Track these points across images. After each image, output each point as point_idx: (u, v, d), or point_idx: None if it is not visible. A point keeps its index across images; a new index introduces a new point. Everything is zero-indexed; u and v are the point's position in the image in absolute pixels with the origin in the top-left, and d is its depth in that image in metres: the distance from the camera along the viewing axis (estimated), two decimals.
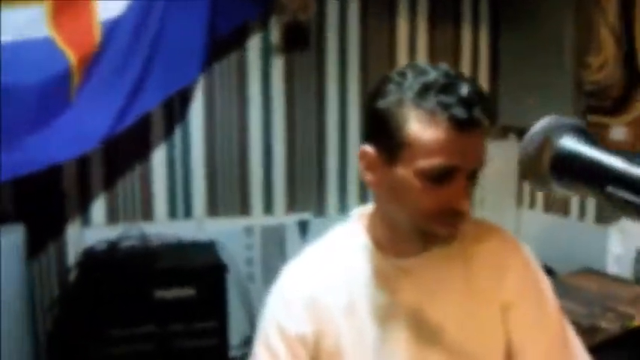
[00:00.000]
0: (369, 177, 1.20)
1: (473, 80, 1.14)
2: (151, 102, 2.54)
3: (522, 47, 3.03)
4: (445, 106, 1.08)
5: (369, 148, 1.18)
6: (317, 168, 3.02)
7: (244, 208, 2.90)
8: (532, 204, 3.29)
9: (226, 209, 2.87)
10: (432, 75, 1.11)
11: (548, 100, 2.88)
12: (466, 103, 1.08)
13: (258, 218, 2.92)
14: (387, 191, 1.18)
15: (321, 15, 2.93)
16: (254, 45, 2.84)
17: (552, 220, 3.16)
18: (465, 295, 1.24)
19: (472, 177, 1.13)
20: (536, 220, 3.23)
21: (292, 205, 2.98)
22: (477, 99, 1.09)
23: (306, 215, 2.99)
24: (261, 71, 2.87)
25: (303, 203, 3.00)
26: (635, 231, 2.58)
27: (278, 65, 2.89)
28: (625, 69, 2.67)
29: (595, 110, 2.81)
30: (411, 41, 3.12)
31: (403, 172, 1.12)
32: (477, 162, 1.13)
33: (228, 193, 2.87)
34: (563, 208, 3.08)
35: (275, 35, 2.86)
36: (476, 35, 3.25)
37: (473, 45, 3.24)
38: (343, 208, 3.04)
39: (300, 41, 2.86)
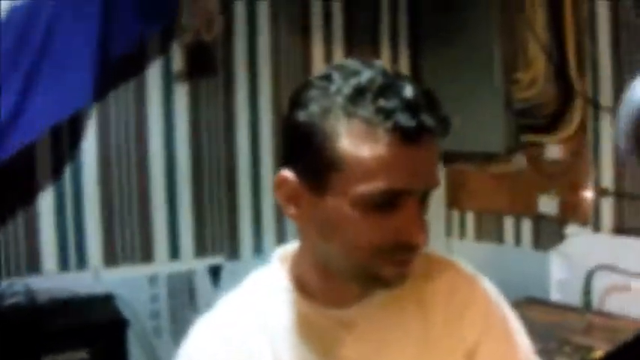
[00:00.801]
0: (291, 210, 1.02)
1: (415, 80, 0.95)
2: (33, 131, 2.31)
3: (446, 66, 2.96)
4: (386, 113, 0.91)
5: (289, 174, 1.00)
6: (228, 205, 2.86)
7: (147, 255, 2.71)
8: (462, 233, 3.22)
9: (126, 257, 2.67)
10: (366, 75, 0.94)
11: (477, 121, 2.79)
12: (412, 107, 0.91)
13: (163, 265, 2.73)
14: (316, 226, 1.01)
15: (228, 35, 2.78)
16: (154, 70, 2.67)
17: (486, 248, 3.10)
18: (421, 346, 1.08)
19: (424, 199, 0.98)
20: (469, 249, 3.17)
21: (201, 249, 2.82)
22: (424, 101, 0.93)
23: (217, 259, 2.84)
24: (163, 99, 2.70)
25: (213, 246, 2.84)
26: (578, 253, 2.52)
27: (181, 92, 2.73)
28: (557, 84, 2.63)
29: (527, 129, 2.76)
30: (327, 63, 3.02)
31: (336, 201, 0.95)
32: (431, 181, 0.96)
33: (128, 239, 2.66)
34: (496, 236, 3.02)
35: (177, 59, 2.69)
36: (395, 56, 3.20)
37: (392, 66, 3.18)
38: (259, 250, 2.88)
39: (206, 65, 2.70)
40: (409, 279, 1.02)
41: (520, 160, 2.84)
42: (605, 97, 2.52)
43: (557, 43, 2.62)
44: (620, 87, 2.47)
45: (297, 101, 1.00)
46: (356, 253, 0.98)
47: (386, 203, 0.94)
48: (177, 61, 2.71)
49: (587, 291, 2.39)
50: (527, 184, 2.83)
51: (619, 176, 2.50)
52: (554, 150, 2.71)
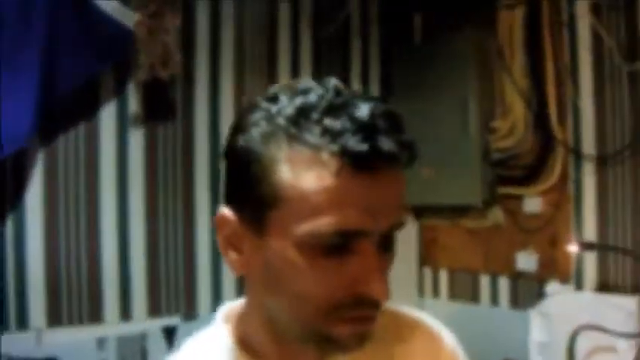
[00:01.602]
0: (232, 256, 0.88)
1: (378, 99, 0.82)
2: None
3: (418, 112, 2.81)
4: (333, 135, 0.77)
5: (228, 212, 0.87)
6: (184, 260, 2.68)
7: (95, 315, 2.49)
8: (435, 292, 3.08)
9: (72, 317, 2.45)
10: (315, 93, 0.81)
11: (451, 172, 2.71)
12: (365, 128, 0.77)
13: (113, 326, 2.52)
14: (260, 276, 0.86)
15: (188, 73, 2.65)
16: (108, 112, 2.50)
17: (460, 308, 2.96)
18: None
19: (386, 243, 0.83)
20: (442, 309, 3.01)
21: (156, 308, 2.62)
22: (384, 123, 0.78)
23: (172, 319, 2.65)
24: (117, 145, 2.53)
25: (168, 304, 2.65)
26: (559, 313, 2.40)
27: (137, 137, 2.56)
28: (537, 133, 2.56)
29: (505, 181, 2.67)
30: None
31: (278, 243, 0.81)
32: (392, 219, 0.81)
33: (75, 297, 2.45)
34: (472, 295, 2.90)
35: (133, 100, 2.54)
36: None
37: None
38: (218, 308, 2.74)
39: (163, 106, 2.55)
40: (373, 341, 0.87)
41: (497, 214, 2.74)
42: (588, 146, 2.44)
43: (536, 90, 2.55)
44: (603, 135, 2.38)
45: (238, 125, 0.87)
46: (304, 308, 0.83)
47: (337, 247, 0.80)
48: (133, 103, 2.55)
49: (570, 353, 2.25)
50: (505, 239, 2.73)
51: (602, 230, 2.40)
52: (533, 203, 2.61)
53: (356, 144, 0.76)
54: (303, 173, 0.79)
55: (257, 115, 0.83)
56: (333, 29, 2.89)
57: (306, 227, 0.79)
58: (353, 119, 0.77)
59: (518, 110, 2.59)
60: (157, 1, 2.25)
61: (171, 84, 2.56)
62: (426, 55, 2.88)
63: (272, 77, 2.88)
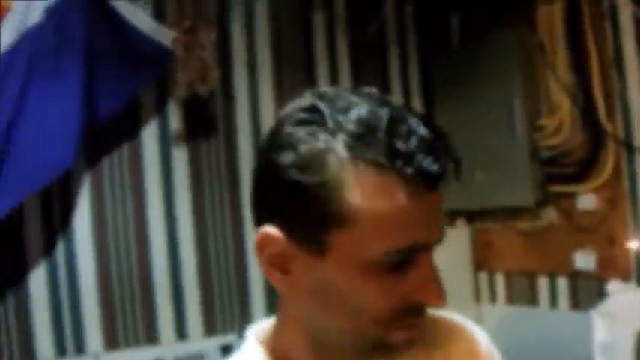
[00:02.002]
0: (277, 275, 0.86)
1: (421, 113, 0.84)
2: (11, 199, 2.18)
3: (463, 116, 2.80)
4: (405, 157, 0.77)
5: (274, 232, 0.84)
6: (237, 277, 2.69)
7: (151, 335, 2.53)
8: (492, 297, 3.02)
9: (129, 339, 2.49)
10: (366, 108, 0.79)
11: (501, 174, 2.66)
12: (434, 149, 0.78)
13: (169, 347, 2.55)
14: (309, 294, 0.85)
15: (226, 86, 2.66)
16: (150, 132, 2.54)
17: (519, 312, 2.90)
18: None
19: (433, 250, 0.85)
20: (500, 314, 2.96)
21: (211, 327, 2.64)
22: (439, 142, 0.80)
23: (229, 338, 2.65)
24: (162, 163, 2.57)
25: (224, 323, 2.66)
26: (623, 312, 2.32)
27: (181, 155, 2.60)
28: (586, 128, 2.50)
29: (556, 179, 2.61)
30: None
31: (341, 263, 0.80)
32: (442, 230, 0.84)
33: (130, 319, 2.49)
34: (529, 298, 2.84)
35: (174, 118, 2.57)
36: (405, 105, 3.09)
37: None
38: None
39: (204, 123, 2.58)
40: (419, 346, 0.91)
41: (550, 214, 2.67)
42: None
43: (582, 85, 2.49)
44: None
45: (278, 141, 0.84)
46: (363, 321, 0.83)
47: (400, 262, 0.81)
48: (174, 121, 2.57)
49: (638, 354, 2.17)
50: (560, 239, 2.66)
51: None
52: (587, 200, 2.54)
53: (429, 166, 0.77)
54: (375, 196, 0.78)
55: (302, 131, 0.81)
56: (369, 34, 2.87)
57: (376, 247, 0.79)
58: (420, 139, 0.78)
59: (564, 107, 2.53)
60: (191, 17, 2.27)
61: (210, 100, 2.58)
62: (466, 57, 2.85)
63: (311, 86, 2.86)
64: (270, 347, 0.95)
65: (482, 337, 1.04)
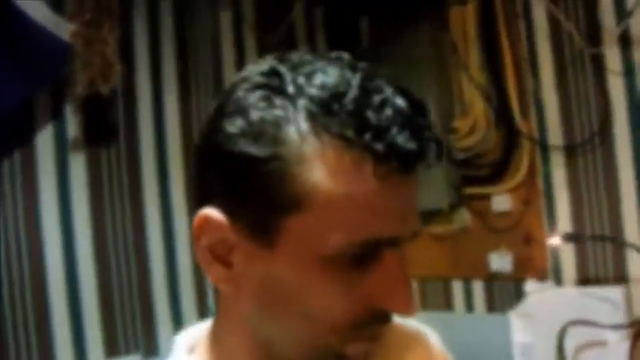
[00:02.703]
0: (217, 270, 0.73)
1: (400, 84, 0.70)
2: None
3: None
4: (378, 131, 0.65)
5: (216, 215, 0.72)
6: (139, 293, 2.50)
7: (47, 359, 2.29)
8: None
9: None
10: (334, 73, 0.67)
11: None
12: (412, 123, 0.66)
13: None
14: (255, 294, 0.72)
15: (128, 86, 2.47)
16: (45, 135, 2.31)
17: (434, 318, 2.82)
18: None
19: (405, 250, 0.73)
20: (414, 320, 2.93)
21: (113, 348, 2.43)
22: (419, 116, 0.68)
23: (132, 358, 2.45)
24: (57, 173, 2.34)
25: (126, 344, 2.46)
26: (541, 312, 2.31)
27: (79, 161, 2.38)
28: (500, 129, 2.47)
29: (471, 181, 2.58)
30: None
31: (293, 255, 0.68)
32: (417, 224, 0.72)
33: (23, 342, 2.24)
34: (444, 303, 2.79)
35: (72, 120, 2.35)
36: None
37: None
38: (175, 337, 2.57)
39: (104, 126, 2.38)
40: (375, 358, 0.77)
41: (464, 217, 2.64)
42: (555, 137, 2.37)
43: (496, 85, 2.47)
44: (569, 124, 2.32)
45: (227, 106, 0.71)
46: (317, 329, 0.71)
47: (363, 258, 0.69)
48: (72, 124, 2.36)
49: (560, 352, 2.16)
50: (475, 241, 2.63)
51: (577, 222, 2.33)
52: (502, 201, 2.52)
53: (405, 142, 0.65)
54: (339, 174, 0.66)
55: (256, 94, 0.69)
56: (277, 37, 2.77)
57: (336, 237, 0.67)
58: (396, 111, 0.66)
59: (478, 107, 2.51)
60: (93, 10, 2.09)
61: (112, 100, 2.40)
62: (376, 59, 2.74)
63: (217, 88, 2.74)
64: (203, 357, 0.81)
65: (436, 342, 0.99)
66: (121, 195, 2.49)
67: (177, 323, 2.58)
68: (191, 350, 0.84)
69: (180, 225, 2.62)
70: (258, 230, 0.69)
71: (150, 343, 2.53)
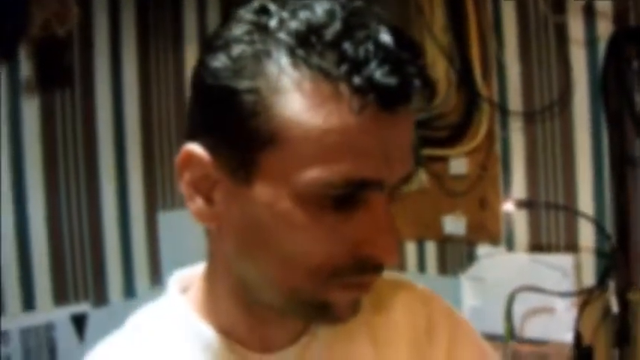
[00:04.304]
0: (198, 204, 0.73)
1: (393, 24, 0.68)
2: None
3: None
4: (356, 64, 0.63)
5: (198, 150, 0.71)
6: (90, 241, 2.46)
7: None
8: None
9: None
10: (322, 8, 0.66)
11: None
12: (394, 57, 0.63)
13: (14, 319, 2.27)
14: (235, 232, 0.71)
15: (86, 31, 2.39)
16: None
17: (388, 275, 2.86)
18: None
19: (395, 195, 0.71)
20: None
21: (62, 295, 2.39)
22: (408, 52, 0.65)
23: (81, 306, 2.43)
24: (9, 117, 2.26)
25: (75, 291, 2.42)
26: (492, 276, 2.33)
27: (32, 106, 2.30)
28: (461, 91, 2.44)
29: (429, 142, 2.55)
30: None
31: (270, 192, 0.67)
32: (407, 168, 0.69)
33: None
34: (397, 263, 2.81)
35: (26, 63, 2.26)
36: None
37: None
38: (130, 291, 2.53)
39: (59, 69, 2.30)
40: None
41: (421, 177, 2.62)
42: (515, 103, 2.36)
43: (459, 47, 2.43)
44: (530, 91, 2.30)
45: (215, 42, 0.70)
46: (296, 272, 0.69)
47: (344, 199, 0.67)
48: (26, 66, 2.28)
49: (509, 317, 2.17)
50: (430, 203, 2.62)
51: (532, 189, 2.33)
52: (459, 164, 2.52)
53: (384, 76, 0.63)
54: (315, 107, 0.64)
55: (241, 29, 0.68)
56: None
57: (313, 174, 0.65)
58: (378, 45, 0.64)
59: (440, 68, 2.48)
60: None
61: (67, 43, 2.31)
62: None
63: (177, 35, 2.68)
64: (195, 300, 0.81)
65: (438, 299, 0.96)
66: (74, 142, 2.43)
67: (128, 273, 2.56)
68: (184, 291, 0.84)
69: (134, 173, 2.58)
70: (238, 166, 0.69)
71: (99, 292, 2.49)
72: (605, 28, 2.14)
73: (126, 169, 2.56)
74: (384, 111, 0.65)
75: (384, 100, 0.64)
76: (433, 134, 2.54)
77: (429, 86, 0.67)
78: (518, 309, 2.22)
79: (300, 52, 0.65)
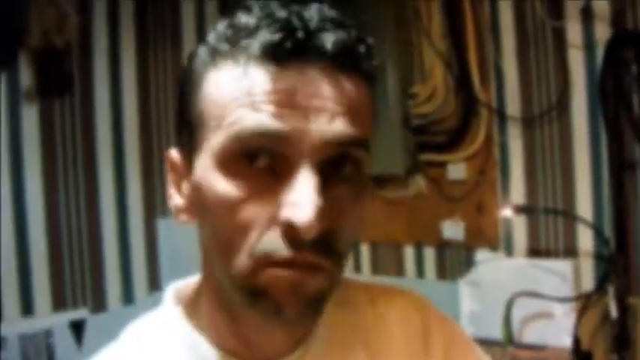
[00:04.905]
0: (175, 201, 0.78)
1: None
2: None
3: None
4: (247, 31, 0.69)
5: (173, 153, 0.79)
6: (89, 247, 2.46)
7: None
8: (356, 267, 2.94)
9: None
10: (255, 9, 0.71)
11: (371, 143, 2.59)
12: (285, 20, 0.68)
13: (13, 324, 2.26)
14: (199, 223, 0.75)
15: (85, 39, 2.39)
16: None
17: (384, 282, 2.84)
18: None
19: (336, 171, 0.70)
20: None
21: (60, 301, 2.39)
22: (312, 18, 0.69)
23: (80, 312, 2.42)
24: (8, 125, 2.26)
25: (74, 296, 2.42)
26: (490, 281, 2.31)
27: (31, 115, 2.31)
28: (459, 96, 2.43)
29: (427, 147, 2.55)
30: None
31: (202, 168, 0.71)
32: (332, 133, 0.67)
33: None
34: (395, 268, 2.78)
35: (25, 72, 2.26)
36: None
37: None
38: (129, 297, 2.52)
39: (58, 78, 2.29)
40: (343, 311, 0.83)
41: (419, 183, 2.62)
42: (513, 108, 2.36)
43: (456, 52, 2.43)
44: (528, 96, 2.30)
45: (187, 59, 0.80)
46: (231, 249, 0.69)
47: (265, 167, 0.68)
48: (25, 75, 2.27)
49: (507, 322, 2.16)
50: (429, 208, 2.61)
51: (531, 194, 2.33)
52: (457, 169, 2.51)
53: (268, 34, 0.68)
54: (220, 80, 0.70)
55: (201, 44, 0.77)
56: None
57: (223, 133, 0.69)
58: (270, 15, 0.69)
59: (438, 74, 2.48)
60: None
61: (66, 52, 2.31)
62: None
63: (176, 41, 2.68)
64: (189, 308, 0.81)
65: (432, 306, 0.96)
66: (73, 149, 2.43)
67: (126, 279, 2.55)
68: (180, 301, 0.83)
69: (133, 180, 2.58)
70: (186, 152, 0.75)
71: (98, 299, 2.49)
72: (602, 32, 2.13)
73: (125, 175, 2.55)
74: (279, 67, 0.67)
75: (269, 55, 0.67)
76: (431, 139, 2.54)
77: (341, 46, 0.70)
78: (517, 314, 2.21)
79: (219, 45, 0.72)
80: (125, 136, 2.55)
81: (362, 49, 0.73)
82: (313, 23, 0.69)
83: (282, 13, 0.69)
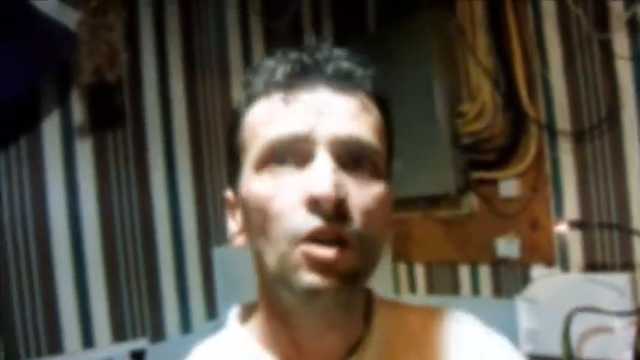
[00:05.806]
0: (231, 228, 0.91)
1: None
2: None
3: None
4: (271, 71, 0.85)
5: (227, 192, 0.93)
6: (147, 278, 2.51)
7: (54, 345, 2.30)
8: (412, 287, 2.98)
9: (29, 351, 2.25)
10: (277, 54, 0.89)
11: (422, 163, 2.59)
12: (296, 58, 0.85)
13: (75, 356, 2.33)
14: (247, 234, 0.86)
15: (134, 72, 2.46)
16: (51, 124, 2.29)
17: (440, 301, 2.83)
18: None
19: (352, 161, 0.80)
20: (420, 303, 2.91)
21: (120, 332, 2.44)
22: (324, 54, 0.86)
23: (140, 342, 2.48)
24: (64, 159, 2.33)
25: (133, 327, 2.48)
26: (547, 298, 2.30)
27: (85, 148, 2.37)
28: (507, 113, 2.45)
29: (478, 165, 2.57)
30: None
31: (244, 180, 0.84)
32: (351, 125, 0.81)
33: (31, 329, 2.26)
34: (451, 287, 2.80)
35: (78, 108, 2.33)
36: None
37: None
38: (187, 326, 2.56)
39: (110, 112, 2.37)
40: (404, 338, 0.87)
41: (472, 202, 2.63)
42: (563, 122, 2.35)
43: (503, 69, 2.44)
44: (577, 109, 2.29)
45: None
46: (276, 235, 0.78)
47: (290, 164, 0.80)
48: (78, 111, 2.35)
49: (566, 338, 2.14)
50: (482, 226, 2.62)
51: (585, 208, 2.31)
52: (509, 186, 2.51)
53: (284, 68, 0.84)
54: (253, 111, 0.86)
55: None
56: (284, 22, 2.74)
57: (255, 147, 0.82)
58: (286, 55, 0.86)
59: (485, 91, 2.49)
60: None
61: (118, 87, 2.39)
62: (382, 42, 2.75)
63: (223, 74, 2.73)
64: (254, 330, 0.88)
65: (474, 322, 1.02)
66: (127, 182, 2.49)
67: (184, 308, 2.60)
68: (244, 322, 0.91)
69: (187, 211, 2.62)
70: (237, 187, 0.87)
71: (157, 328, 2.54)
72: None
73: (179, 205, 2.61)
74: (291, 88, 0.83)
75: (286, 81, 0.83)
76: (482, 157, 2.55)
77: (342, 69, 0.85)
78: (575, 329, 2.19)
79: (256, 91, 0.87)
80: (177, 167, 2.61)
81: (360, 73, 0.87)
82: (320, 57, 0.85)
83: (294, 55, 0.85)
